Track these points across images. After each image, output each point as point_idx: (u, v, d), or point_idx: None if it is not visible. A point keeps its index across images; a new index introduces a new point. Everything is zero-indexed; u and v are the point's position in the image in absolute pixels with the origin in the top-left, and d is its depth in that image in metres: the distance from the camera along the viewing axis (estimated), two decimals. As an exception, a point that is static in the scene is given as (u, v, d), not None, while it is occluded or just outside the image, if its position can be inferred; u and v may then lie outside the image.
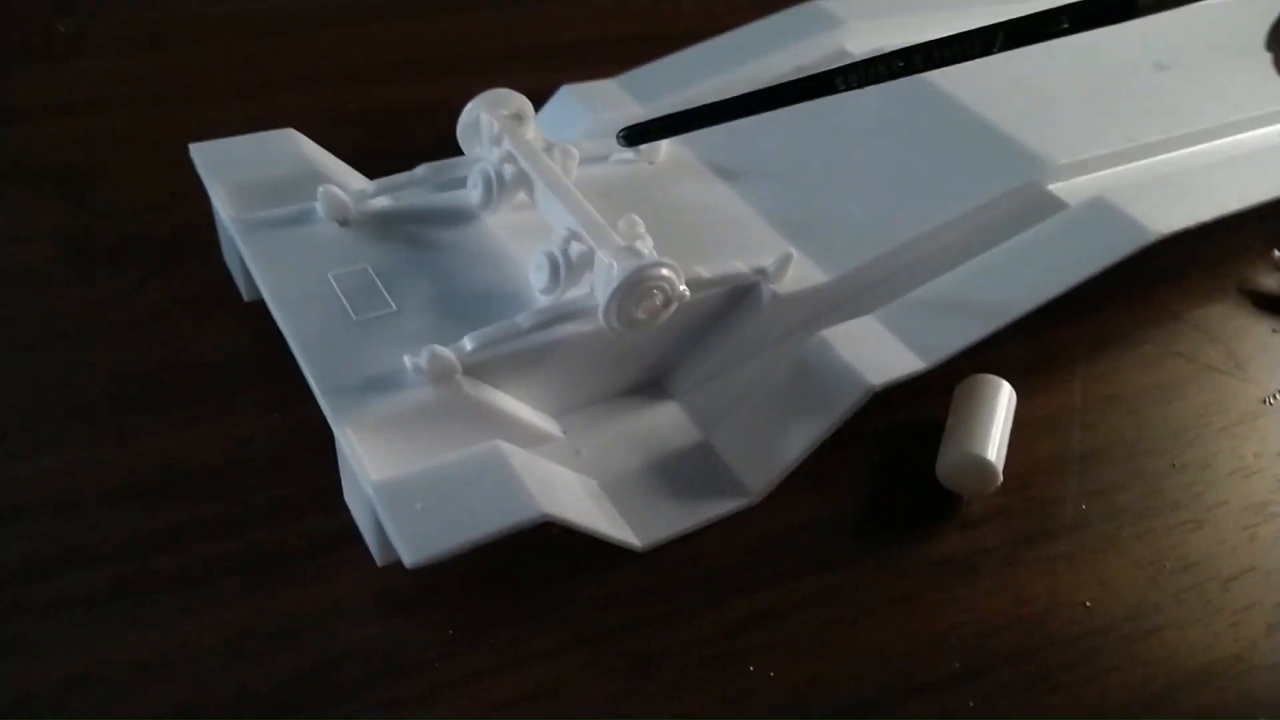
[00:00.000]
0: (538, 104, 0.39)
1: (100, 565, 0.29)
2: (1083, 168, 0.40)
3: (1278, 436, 0.37)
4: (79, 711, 0.26)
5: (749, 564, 0.31)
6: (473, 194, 0.36)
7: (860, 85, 0.27)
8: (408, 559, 0.25)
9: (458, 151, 0.37)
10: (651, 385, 0.35)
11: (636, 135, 0.33)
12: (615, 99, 0.44)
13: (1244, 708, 0.29)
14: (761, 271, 0.34)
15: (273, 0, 0.57)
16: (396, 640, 0.28)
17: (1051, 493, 0.34)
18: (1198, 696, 0.29)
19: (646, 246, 0.31)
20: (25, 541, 0.30)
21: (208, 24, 0.54)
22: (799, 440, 0.32)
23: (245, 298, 0.37)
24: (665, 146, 0.40)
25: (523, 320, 0.30)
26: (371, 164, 0.39)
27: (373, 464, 0.27)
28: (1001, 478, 0.32)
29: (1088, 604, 0.31)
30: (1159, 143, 0.42)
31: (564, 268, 0.31)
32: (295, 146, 0.38)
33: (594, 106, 0.43)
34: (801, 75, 0.27)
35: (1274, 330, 0.41)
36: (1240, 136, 0.44)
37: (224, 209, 0.35)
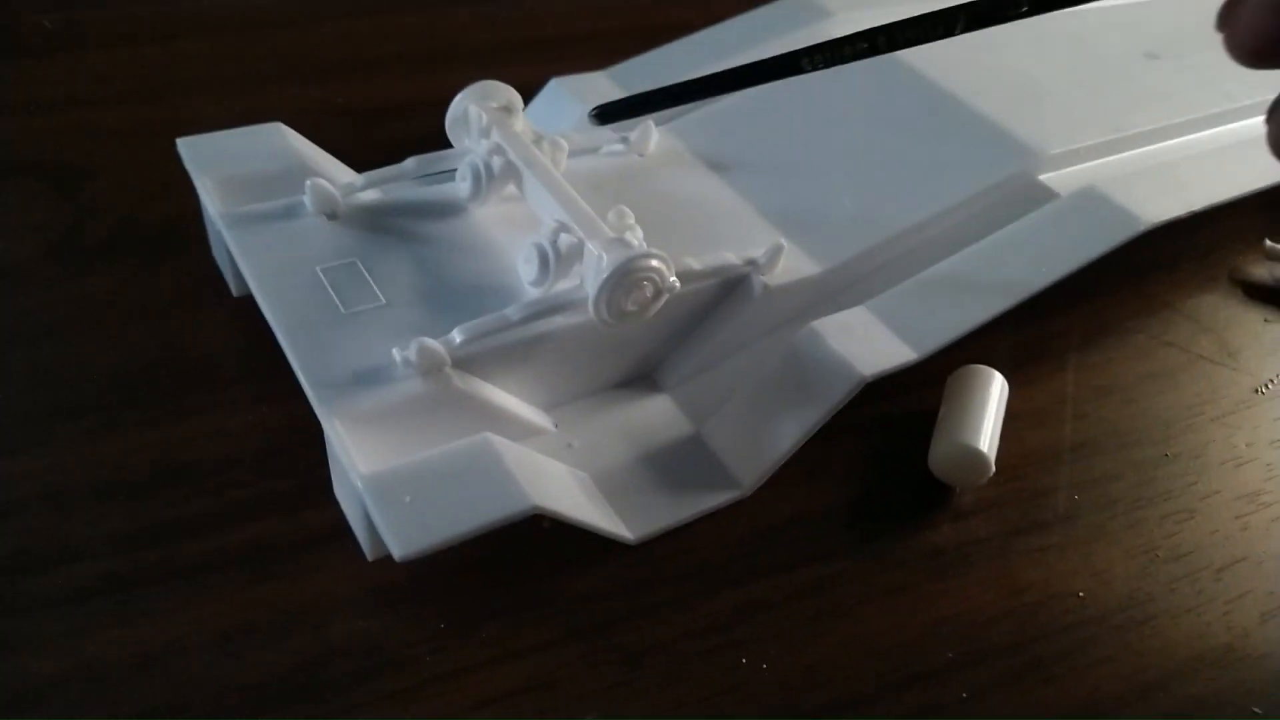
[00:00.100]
0: (527, 97, 0.39)
1: (90, 561, 0.29)
2: (1074, 157, 0.40)
3: (1270, 426, 0.37)
4: (67, 708, 0.26)
5: (741, 556, 0.31)
6: (462, 186, 0.35)
7: (826, 65, 0.28)
8: (397, 552, 0.25)
9: (446, 144, 0.37)
10: (643, 378, 0.35)
11: (609, 113, 0.33)
12: (605, 92, 0.44)
13: (1237, 697, 0.29)
14: (752, 263, 0.34)
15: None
16: (387, 634, 0.28)
17: (1044, 483, 0.34)
18: (1190, 686, 0.29)
19: (636, 238, 0.31)
20: (15, 537, 0.29)
21: (195, 18, 0.54)
22: (790, 432, 0.32)
23: (234, 292, 0.37)
24: (655, 138, 0.40)
25: (512, 313, 0.30)
26: (360, 157, 0.38)
27: (362, 457, 0.27)
28: (994, 469, 0.32)
29: (1080, 594, 0.31)
30: (1150, 132, 0.42)
31: (553, 260, 0.31)
32: (283, 140, 0.37)
33: (584, 99, 0.43)
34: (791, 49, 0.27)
35: (1266, 320, 0.41)
36: (1231, 126, 0.44)
37: (211, 203, 0.34)
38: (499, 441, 0.28)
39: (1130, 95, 0.44)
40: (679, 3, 0.59)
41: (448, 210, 0.35)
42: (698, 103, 0.44)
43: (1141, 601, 0.31)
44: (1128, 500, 0.34)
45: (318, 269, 0.32)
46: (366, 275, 0.32)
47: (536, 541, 0.30)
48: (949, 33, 0.26)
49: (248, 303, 0.33)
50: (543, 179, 0.33)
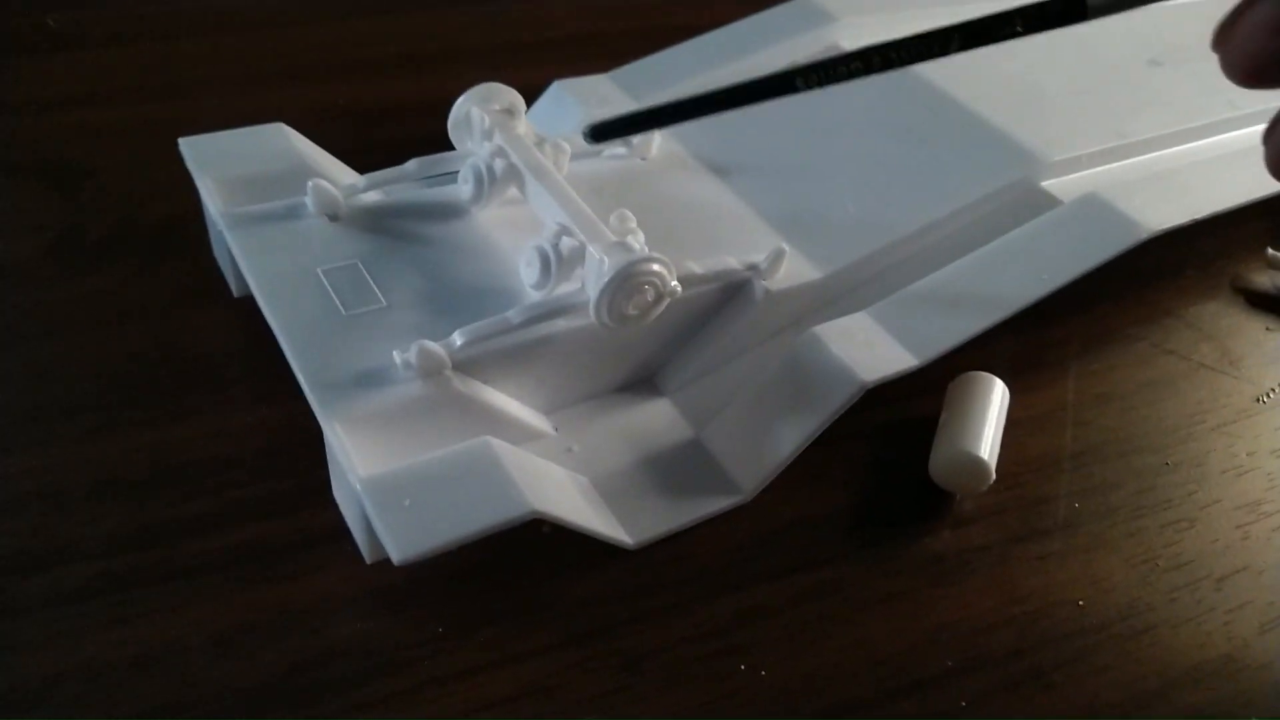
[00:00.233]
0: (529, 99, 0.38)
1: (89, 561, 0.29)
2: (1076, 164, 0.40)
3: (1271, 435, 0.37)
4: (64, 708, 0.26)
5: (741, 561, 0.31)
6: (464, 189, 0.35)
7: (820, 85, 0.28)
8: (396, 556, 0.25)
9: (449, 146, 0.36)
10: (643, 382, 0.35)
11: (600, 132, 0.33)
12: (608, 94, 0.44)
13: (1236, 707, 0.29)
14: (754, 267, 0.34)
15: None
16: (385, 637, 0.28)
17: (1044, 491, 0.34)
18: (1190, 696, 0.29)
19: (638, 242, 0.31)
20: (14, 537, 0.29)
21: (197, 18, 0.54)
22: (791, 437, 0.32)
23: (235, 293, 0.37)
24: (658, 141, 0.40)
25: (513, 315, 0.30)
26: (362, 159, 0.38)
27: (361, 460, 0.27)
28: (994, 476, 0.32)
29: (1080, 602, 0.31)
30: (1152, 140, 0.42)
31: (555, 263, 0.31)
32: (285, 141, 0.37)
33: (586, 102, 0.43)
34: (784, 68, 0.27)
35: (1268, 328, 0.41)
36: (1234, 134, 0.44)
37: (213, 203, 0.34)
38: (499, 445, 0.28)
39: (1133, 102, 0.44)
40: (682, 5, 0.59)
41: (449, 212, 0.35)
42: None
43: (1141, 610, 0.31)
44: (1128, 508, 0.34)
45: (319, 270, 0.32)
46: (368, 277, 0.32)
47: (536, 546, 0.30)
48: (944, 52, 0.26)
49: (248, 303, 0.33)
50: (545, 182, 0.33)
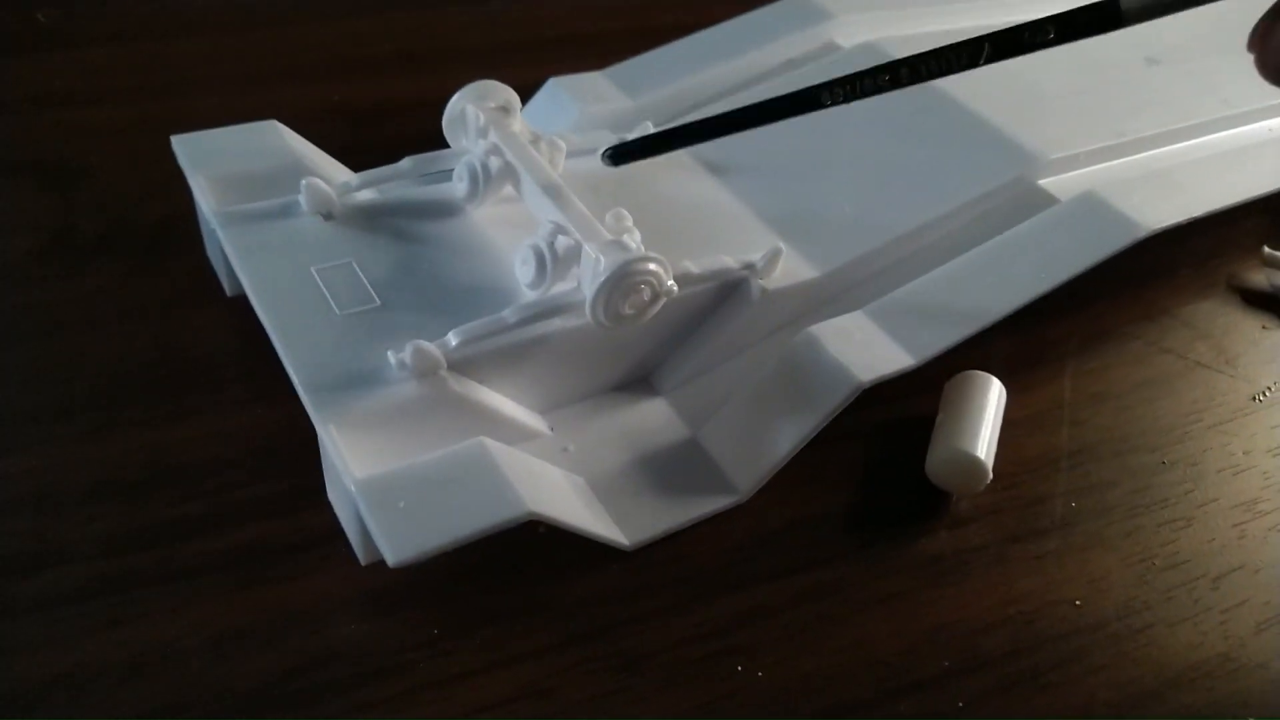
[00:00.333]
0: (525, 97, 0.38)
1: (85, 562, 0.29)
2: (1073, 163, 0.40)
3: (1267, 434, 0.37)
4: (61, 710, 0.26)
5: (738, 562, 0.31)
6: (458, 187, 0.35)
7: (847, 100, 0.27)
8: (391, 558, 0.25)
9: (444, 144, 0.36)
10: (640, 381, 0.35)
11: (621, 155, 0.33)
12: (603, 92, 0.44)
13: (1233, 706, 0.29)
14: (750, 266, 0.34)
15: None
16: (381, 639, 0.28)
17: (1041, 490, 0.34)
18: (1186, 695, 0.29)
19: (634, 240, 0.31)
20: (9, 539, 0.29)
21: (191, 16, 0.54)
22: (788, 437, 0.32)
23: (228, 292, 0.37)
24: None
25: (509, 315, 0.30)
26: (356, 157, 0.38)
27: (356, 461, 0.27)
28: (991, 475, 0.32)
29: (1077, 602, 0.31)
30: (1150, 138, 0.42)
31: (550, 262, 0.31)
32: (279, 139, 0.37)
33: (582, 99, 0.43)
34: (790, 74, 0.27)
35: (1264, 327, 0.41)
36: (1231, 132, 0.44)
37: (206, 202, 0.34)
38: (494, 446, 0.28)
39: (1130, 101, 0.44)
40: (677, 3, 0.59)
41: (444, 211, 0.35)
42: (698, 106, 0.44)
43: (1138, 610, 0.31)
44: (1124, 508, 0.34)
45: (313, 269, 0.32)
46: (362, 276, 0.32)
47: (532, 547, 0.30)
48: (974, 63, 0.25)
49: (243, 302, 0.32)
50: (540, 180, 0.33)
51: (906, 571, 0.31)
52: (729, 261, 0.33)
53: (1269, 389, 0.38)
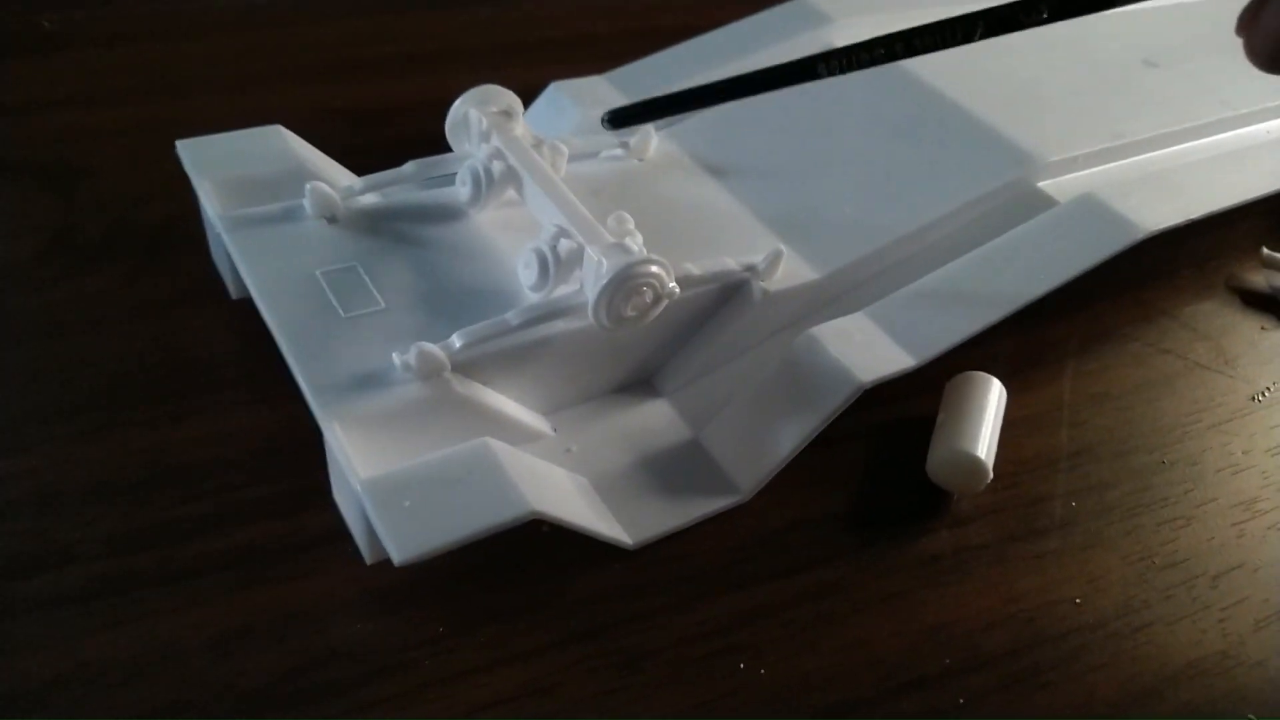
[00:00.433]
0: (527, 100, 0.38)
1: (86, 563, 0.29)
2: (1072, 165, 0.40)
3: (1266, 434, 0.37)
4: (63, 710, 0.26)
5: (739, 561, 0.31)
6: (461, 191, 0.35)
7: (843, 71, 0.28)
8: (396, 556, 0.25)
9: (446, 148, 0.36)
10: (642, 383, 0.35)
11: (620, 118, 0.33)
12: (604, 96, 0.44)
13: (1231, 704, 0.29)
14: (751, 268, 0.34)
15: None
16: (384, 638, 0.28)
17: (1041, 490, 0.34)
18: (1186, 692, 0.29)
19: (636, 243, 0.31)
20: (10, 539, 0.29)
21: (194, 19, 0.54)
22: (789, 438, 0.32)
23: (233, 295, 0.37)
24: (654, 143, 0.40)
25: (512, 317, 0.30)
26: (360, 161, 0.38)
27: (361, 461, 0.27)
28: (991, 475, 0.32)
29: (1077, 600, 0.31)
30: (1148, 140, 0.42)
31: (553, 264, 0.31)
32: (283, 143, 0.37)
33: (583, 103, 0.43)
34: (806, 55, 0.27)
35: (1263, 328, 0.42)
36: (1229, 134, 0.44)
37: (211, 206, 0.34)
38: (498, 446, 0.28)
39: (1128, 103, 0.44)
40: (678, 7, 0.59)
41: (447, 214, 0.35)
42: (697, 110, 0.44)
43: (1137, 608, 0.31)
44: (1124, 507, 0.34)
45: (317, 273, 0.32)
46: (366, 279, 0.32)
47: (535, 545, 0.30)
48: (968, 39, 0.26)
49: (244, 305, 0.33)
50: (542, 184, 0.33)
51: (907, 570, 0.31)
52: (730, 263, 0.34)
53: (1268, 389, 0.39)
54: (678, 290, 0.31)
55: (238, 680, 0.27)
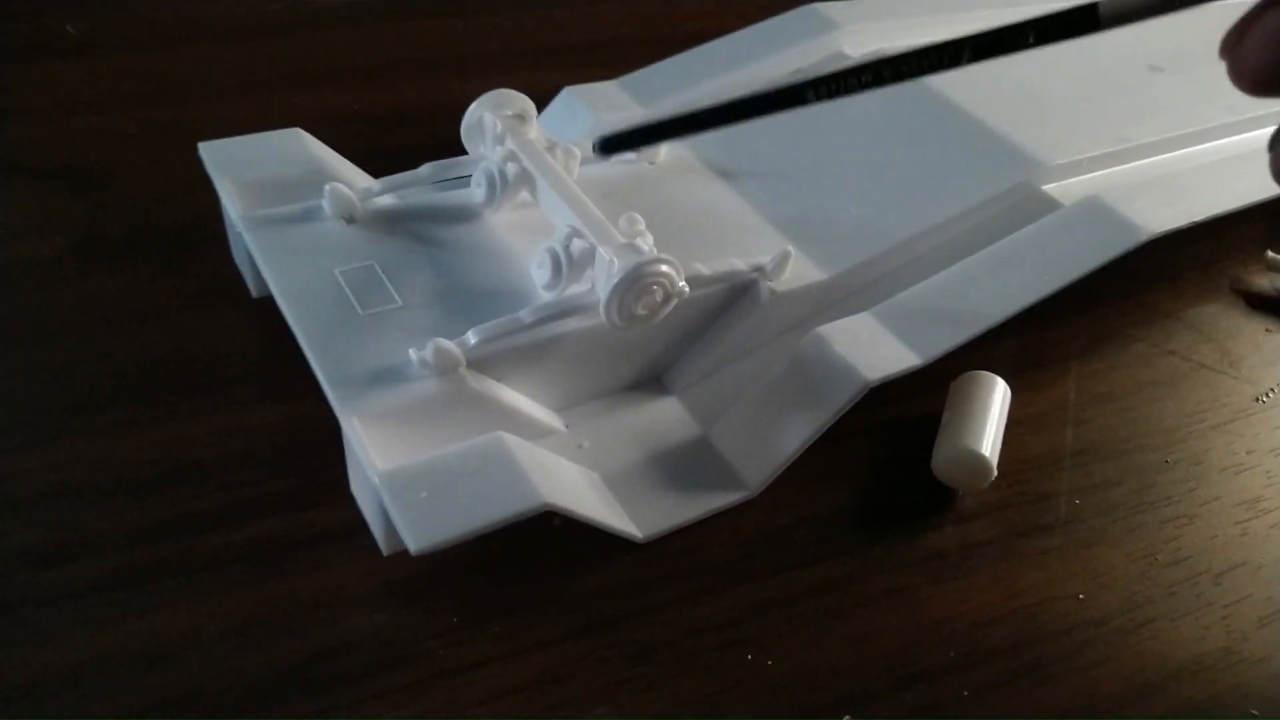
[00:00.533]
0: (540, 105, 0.39)
1: (105, 555, 0.30)
2: (1077, 168, 0.41)
3: (1270, 434, 0.37)
4: (83, 699, 0.26)
5: (747, 556, 0.31)
6: (476, 192, 0.36)
7: (831, 97, 0.28)
8: (413, 545, 0.25)
9: (462, 151, 0.37)
10: (652, 381, 0.36)
11: (610, 145, 0.34)
12: (616, 101, 0.45)
13: (1234, 700, 0.29)
14: (760, 269, 0.34)
15: (281, 1, 0.57)
16: (399, 629, 0.29)
17: (1045, 488, 0.34)
18: (1188, 689, 0.29)
19: (647, 244, 0.32)
20: (30, 531, 0.30)
21: (214, 24, 0.55)
22: (796, 435, 0.32)
23: (254, 293, 0.38)
24: (665, 146, 0.41)
25: (526, 315, 0.31)
26: (377, 163, 0.39)
27: (379, 454, 0.28)
28: (996, 473, 0.33)
29: (1080, 597, 0.31)
30: (1153, 144, 0.43)
31: (566, 264, 0.32)
32: (302, 145, 0.38)
33: (595, 108, 0.44)
34: (795, 80, 0.28)
35: (1267, 330, 0.42)
36: (1234, 138, 0.45)
37: (232, 207, 0.35)
38: (512, 440, 0.29)
39: (1133, 107, 0.45)
40: (690, 13, 0.60)
41: (463, 215, 0.36)
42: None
43: (1141, 605, 0.31)
44: (1128, 505, 0.34)
45: (336, 271, 0.33)
46: (384, 278, 0.33)
47: (547, 538, 0.31)
48: (955, 64, 0.26)
49: (262, 303, 0.33)
50: (556, 185, 0.34)
51: (912, 566, 0.32)
52: (739, 264, 0.34)
53: (1272, 390, 0.39)
54: (687, 289, 0.32)
55: (256, 668, 0.27)
